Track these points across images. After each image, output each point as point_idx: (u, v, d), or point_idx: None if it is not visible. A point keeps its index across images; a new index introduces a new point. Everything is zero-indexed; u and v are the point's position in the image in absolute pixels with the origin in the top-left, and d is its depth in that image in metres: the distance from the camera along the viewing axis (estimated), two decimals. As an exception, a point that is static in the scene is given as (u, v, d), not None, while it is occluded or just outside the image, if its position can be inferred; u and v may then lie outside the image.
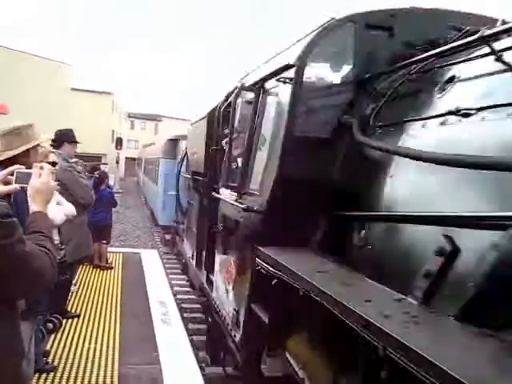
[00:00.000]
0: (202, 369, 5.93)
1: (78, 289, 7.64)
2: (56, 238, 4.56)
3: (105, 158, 44.87)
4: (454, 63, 2.81)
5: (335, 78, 4.02)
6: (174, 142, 16.59)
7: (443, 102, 2.70)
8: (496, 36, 2.44)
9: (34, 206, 2.11)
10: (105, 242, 9.27)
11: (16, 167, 2.30)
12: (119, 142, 33.00)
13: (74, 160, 6.41)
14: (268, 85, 4.25)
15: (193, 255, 7.99)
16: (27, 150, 3.44)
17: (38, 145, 3.59)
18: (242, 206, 3.99)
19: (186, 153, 9.72)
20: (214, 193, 5.58)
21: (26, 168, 3.46)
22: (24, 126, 3.55)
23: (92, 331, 5.91)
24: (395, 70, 3.40)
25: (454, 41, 2.98)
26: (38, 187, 2.14)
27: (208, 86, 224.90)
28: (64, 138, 6.10)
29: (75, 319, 6.25)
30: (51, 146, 5.69)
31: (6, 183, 2.23)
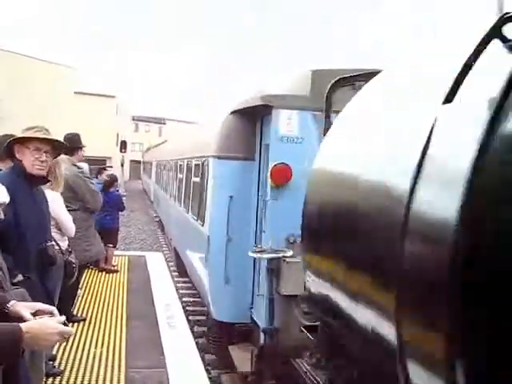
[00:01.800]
0: (208, 372, 5.93)
1: (84, 292, 7.66)
2: (65, 243, 4.59)
3: (109, 161, 44.96)
4: None
5: None
6: (251, 118, 6.52)
7: None
8: None
9: (27, 327, 1.90)
10: (111, 245, 9.28)
11: (44, 309, 2.13)
12: (124, 145, 33.09)
13: (81, 164, 6.45)
14: None
15: None
16: (19, 148, 3.46)
17: (48, 151, 3.60)
18: None
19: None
20: None
21: (29, 172, 3.50)
22: (27, 127, 3.58)
23: (98, 335, 5.92)
24: None
25: None
26: (47, 326, 1.94)
27: (208, 86, 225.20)
28: (76, 144, 6.14)
29: (81, 323, 6.26)
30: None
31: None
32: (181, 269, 10.03)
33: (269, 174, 5.55)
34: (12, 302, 2.06)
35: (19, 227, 3.41)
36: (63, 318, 2.04)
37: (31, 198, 3.60)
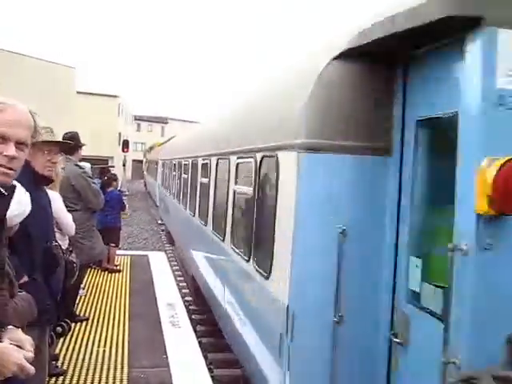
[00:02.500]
0: (210, 371, 5.92)
1: (87, 292, 7.66)
2: (65, 242, 4.60)
3: (111, 160, 45.07)
4: None
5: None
6: (383, 66, 3.24)
7: None
8: None
9: None
10: (114, 244, 9.28)
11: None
12: (126, 145, 33.06)
13: (82, 164, 6.46)
14: None
15: None
16: (31, 149, 3.48)
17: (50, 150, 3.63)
18: None
19: None
20: None
21: (38, 172, 3.54)
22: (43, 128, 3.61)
23: (101, 334, 5.92)
24: None
25: None
26: (12, 354, 1.89)
27: (211, 86, 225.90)
28: (77, 143, 6.11)
29: (84, 322, 6.27)
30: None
31: None
32: (208, 318, 8.03)
33: (478, 184, 2.42)
34: (9, 327, 2.04)
35: (28, 228, 3.42)
36: (31, 354, 1.98)
37: (38, 198, 3.63)
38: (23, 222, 3.40)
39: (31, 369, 1.93)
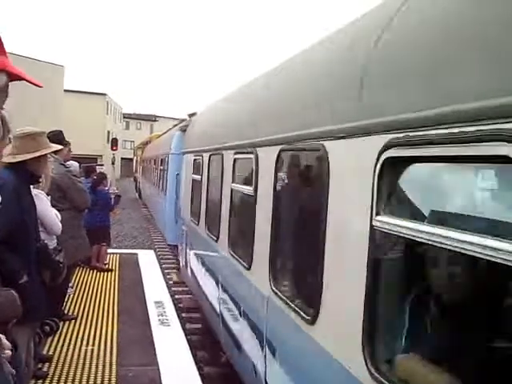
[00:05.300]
0: (200, 368, 5.94)
1: (75, 291, 7.63)
2: (53, 241, 4.58)
3: (100, 159, 44.88)
4: None
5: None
6: None
7: None
8: None
9: None
10: (104, 243, 9.24)
11: None
12: (114, 143, 32.88)
13: (70, 163, 6.42)
14: None
15: None
16: (39, 156, 3.64)
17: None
18: None
19: None
20: None
21: (36, 173, 3.69)
22: (38, 133, 3.74)
23: (89, 333, 5.90)
24: None
25: None
26: None
27: (200, 83, 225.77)
28: (61, 142, 6.07)
29: (72, 321, 6.25)
30: None
31: None
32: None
33: None
34: None
35: (25, 224, 3.48)
36: (10, 353, 1.99)
37: (30, 196, 3.71)
38: (24, 218, 3.45)
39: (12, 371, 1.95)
